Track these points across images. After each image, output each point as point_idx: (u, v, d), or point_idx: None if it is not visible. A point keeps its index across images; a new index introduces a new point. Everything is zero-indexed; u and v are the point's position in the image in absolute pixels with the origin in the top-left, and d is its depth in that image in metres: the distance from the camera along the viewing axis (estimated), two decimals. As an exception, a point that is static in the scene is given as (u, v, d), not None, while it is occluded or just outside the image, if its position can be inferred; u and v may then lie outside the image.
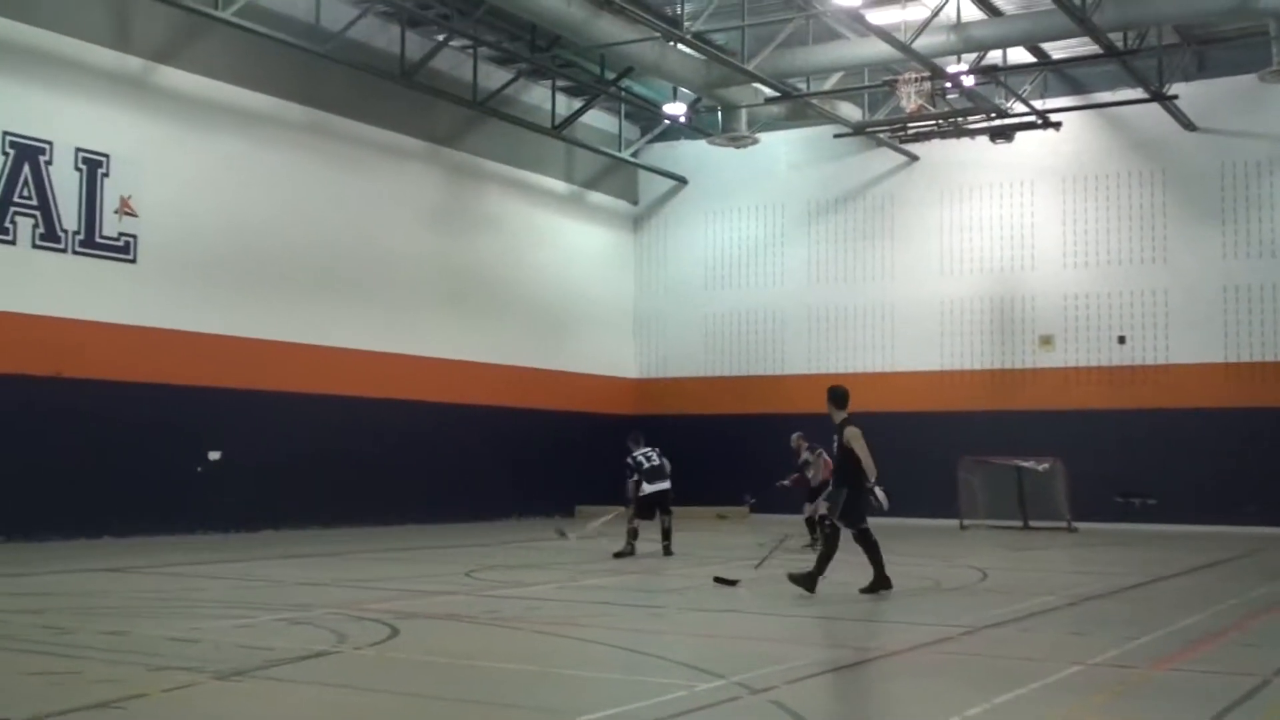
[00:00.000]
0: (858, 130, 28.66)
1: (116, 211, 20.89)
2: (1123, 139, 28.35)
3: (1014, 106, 27.68)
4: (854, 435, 12.61)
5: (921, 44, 23.28)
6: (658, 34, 23.35)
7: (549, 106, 29.14)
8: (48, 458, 19.59)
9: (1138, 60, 25.58)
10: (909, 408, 28.76)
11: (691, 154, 32.29)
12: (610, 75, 28.80)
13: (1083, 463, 26.05)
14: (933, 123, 26.91)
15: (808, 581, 12.48)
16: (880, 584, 12.66)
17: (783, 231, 31.65)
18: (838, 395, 12.99)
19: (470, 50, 26.76)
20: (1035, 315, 28.77)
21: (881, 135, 29.12)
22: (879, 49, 23.76)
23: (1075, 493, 25.67)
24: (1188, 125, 27.35)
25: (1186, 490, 26.45)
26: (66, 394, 19.97)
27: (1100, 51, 24.43)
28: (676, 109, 29.48)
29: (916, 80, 24.38)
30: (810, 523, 18.82)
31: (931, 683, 8.15)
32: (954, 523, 26.20)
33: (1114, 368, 27.95)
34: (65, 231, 20.20)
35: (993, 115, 27.12)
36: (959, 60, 25.38)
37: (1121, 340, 27.86)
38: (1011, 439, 26.85)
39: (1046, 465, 25.76)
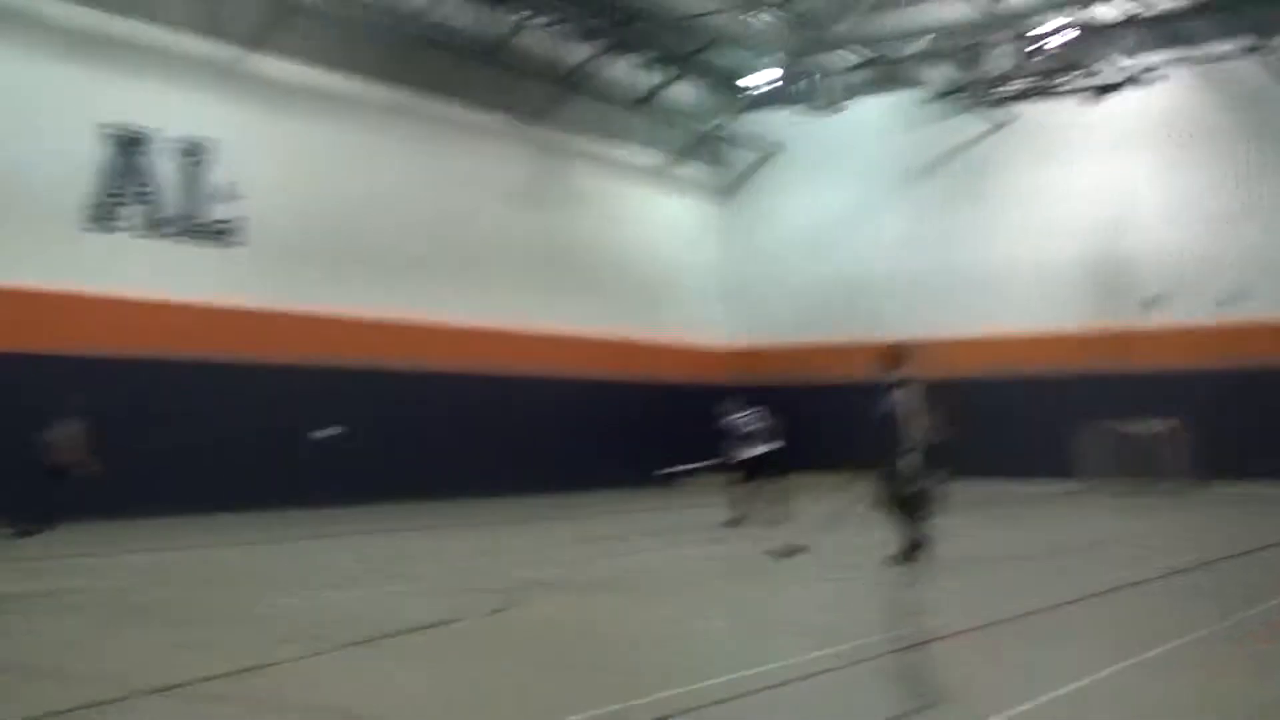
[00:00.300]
0: (948, 93, 28.19)
1: (218, 197, 21.34)
2: (1221, 96, 27.53)
3: (1106, 65, 26.94)
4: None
5: (1012, 2, 22.87)
6: (740, 3, 23.19)
7: (633, 81, 29.09)
8: (176, 437, 19.97)
9: (1240, 11, 24.81)
10: (1012, 372, 28.25)
11: (779, 123, 32.03)
12: (694, 47, 28.68)
13: (1201, 423, 25.14)
14: (1027, 82, 26.37)
15: (911, 553, 12.26)
16: (910, 554, 12.16)
17: (874, 198, 31.28)
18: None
19: (553, 27, 26.81)
20: (1137, 275, 28.06)
21: (973, 99, 28.61)
22: (967, 9, 23.40)
23: (1196, 455, 24.90)
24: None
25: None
26: (182, 376, 20.48)
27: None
28: (761, 78, 29.27)
29: (1010, 40, 23.95)
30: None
31: (1056, 649, 8.06)
32: (1065, 486, 25.32)
33: (1224, 327, 27.11)
34: (168, 217, 20.69)
35: (1089, 73, 26.47)
36: (1051, 17, 24.86)
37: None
38: (1121, 400, 26.11)
39: (1165, 426, 25.00)
